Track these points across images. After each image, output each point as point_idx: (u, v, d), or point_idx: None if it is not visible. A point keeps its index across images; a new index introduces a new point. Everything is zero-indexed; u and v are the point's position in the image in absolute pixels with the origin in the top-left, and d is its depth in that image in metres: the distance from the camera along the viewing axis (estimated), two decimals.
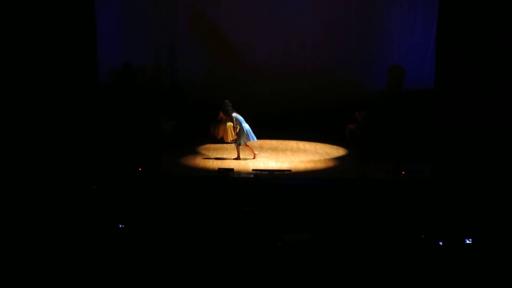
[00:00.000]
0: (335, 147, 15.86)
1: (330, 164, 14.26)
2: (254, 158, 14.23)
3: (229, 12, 17.91)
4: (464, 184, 12.23)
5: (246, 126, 14.05)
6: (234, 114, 14.21)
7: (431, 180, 13.11)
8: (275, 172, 13.00)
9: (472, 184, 12.21)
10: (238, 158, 14.20)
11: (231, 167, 13.33)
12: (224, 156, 14.62)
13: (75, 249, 9.54)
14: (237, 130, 14.35)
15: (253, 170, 13.21)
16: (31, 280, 8.76)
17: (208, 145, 15.89)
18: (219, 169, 13.19)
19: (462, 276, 9.01)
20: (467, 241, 9.82)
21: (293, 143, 16.27)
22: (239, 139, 14.05)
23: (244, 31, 17.94)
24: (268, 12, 17.94)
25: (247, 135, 13.97)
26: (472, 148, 15.00)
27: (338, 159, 14.76)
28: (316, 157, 14.83)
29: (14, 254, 9.37)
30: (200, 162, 14.15)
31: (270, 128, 16.82)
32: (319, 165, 14.02)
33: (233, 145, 14.79)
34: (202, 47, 17.99)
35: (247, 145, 14.17)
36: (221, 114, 16.29)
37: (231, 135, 16.07)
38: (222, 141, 16.17)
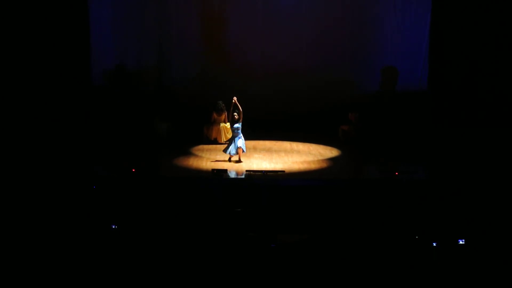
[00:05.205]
0: (328, 148, 15.88)
1: (324, 165, 14.26)
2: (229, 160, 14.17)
3: (223, 13, 17.91)
4: (458, 185, 12.25)
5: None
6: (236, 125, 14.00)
7: (425, 181, 13.12)
8: (268, 173, 13.01)
9: (466, 185, 12.23)
10: (239, 160, 14.08)
11: (225, 168, 13.33)
12: (218, 157, 14.59)
13: (70, 249, 9.53)
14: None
15: (246, 171, 13.21)
16: (27, 279, 8.76)
17: (201, 146, 15.88)
18: (213, 170, 13.19)
19: (455, 277, 9.03)
20: (460, 242, 9.85)
21: (286, 144, 16.28)
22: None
23: (238, 32, 17.95)
24: (262, 12, 17.94)
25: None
26: (467, 149, 15.04)
27: (331, 160, 14.77)
28: (310, 158, 14.84)
29: (10, 253, 9.37)
30: (193, 163, 14.14)
31: (263, 129, 16.84)
32: (313, 166, 14.02)
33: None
34: (196, 48, 17.98)
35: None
36: (215, 115, 16.31)
37: (224, 136, 16.08)
38: (215, 142, 16.17)
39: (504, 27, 16.69)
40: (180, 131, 16.92)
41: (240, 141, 13.86)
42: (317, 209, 11.53)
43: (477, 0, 16.90)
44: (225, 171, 13.10)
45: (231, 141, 13.99)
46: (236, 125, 13.88)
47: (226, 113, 16.12)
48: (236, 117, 13.90)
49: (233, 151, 13.86)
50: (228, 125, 16.02)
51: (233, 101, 14.03)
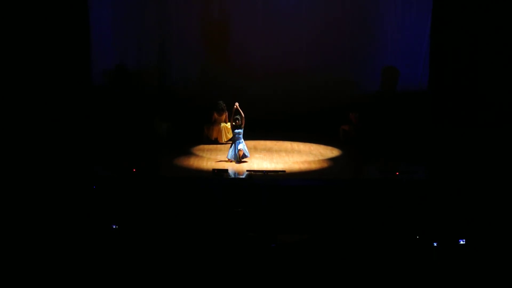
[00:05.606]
0: (329, 148, 15.87)
1: (324, 165, 14.26)
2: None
3: (223, 13, 17.92)
4: (458, 185, 12.25)
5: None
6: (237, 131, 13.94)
7: (426, 181, 13.12)
8: (269, 173, 13.01)
9: (466, 185, 12.23)
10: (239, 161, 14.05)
11: (225, 168, 13.33)
12: (219, 157, 14.59)
13: (70, 249, 9.54)
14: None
15: (247, 170, 13.20)
16: (27, 279, 8.76)
17: (202, 146, 15.88)
18: (213, 170, 13.18)
19: (455, 277, 9.03)
20: (461, 242, 9.85)
21: (287, 144, 16.27)
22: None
23: (238, 32, 17.95)
24: (262, 12, 17.94)
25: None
26: (467, 149, 15.04)
27: (332, 160, 14.77)
28: (310, 158, 14.84)
29: (10, 253, 9.37)
30: (194, 163, 14.14)
31: (263, 129, 16.83)
32: (313, 166, 14.02)
33: (227, 146, 14.78)
34: (196, 48, 17.98)
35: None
36: (216, 115, 16.31)
37: (225, 136, 16.08)
38: (216, 142, 16.17)
39: (504, 27, 16.69)
40: (180, 131, 16.91)
41: (241, 145, 13.86)
42: (317, 209, 11.53)
43: (477, 0, 16.90)
44: (225, 171, 13.09)
45: (232, 145, 13.96)
46: (237, 130, 13.88)
47: (226, 113, 16.11)
48: (238, 122, 13.89)
49: (234, 157, 13.82)
50: (228, 125, 16.03)
51: (235, 106, 14.02)
